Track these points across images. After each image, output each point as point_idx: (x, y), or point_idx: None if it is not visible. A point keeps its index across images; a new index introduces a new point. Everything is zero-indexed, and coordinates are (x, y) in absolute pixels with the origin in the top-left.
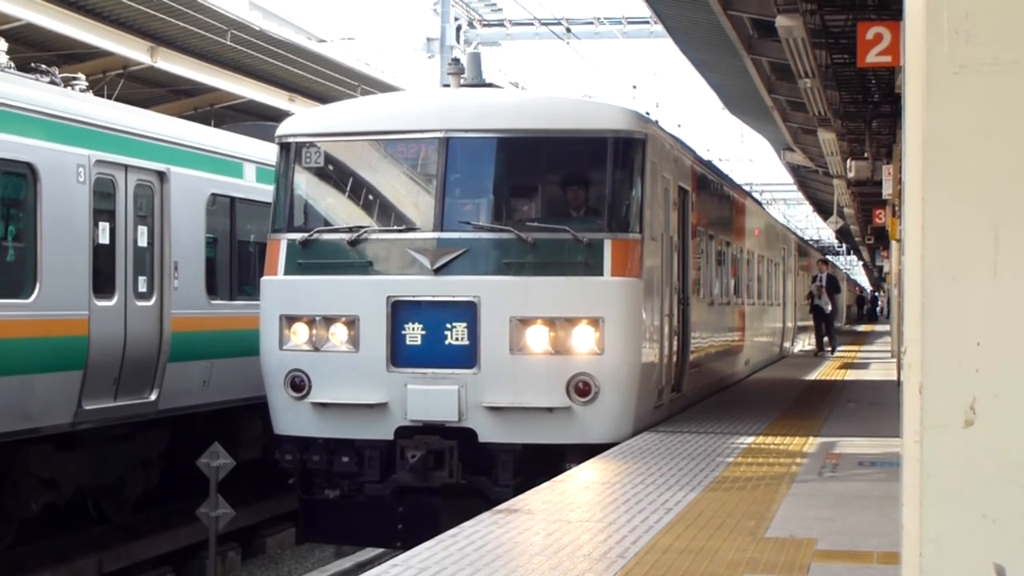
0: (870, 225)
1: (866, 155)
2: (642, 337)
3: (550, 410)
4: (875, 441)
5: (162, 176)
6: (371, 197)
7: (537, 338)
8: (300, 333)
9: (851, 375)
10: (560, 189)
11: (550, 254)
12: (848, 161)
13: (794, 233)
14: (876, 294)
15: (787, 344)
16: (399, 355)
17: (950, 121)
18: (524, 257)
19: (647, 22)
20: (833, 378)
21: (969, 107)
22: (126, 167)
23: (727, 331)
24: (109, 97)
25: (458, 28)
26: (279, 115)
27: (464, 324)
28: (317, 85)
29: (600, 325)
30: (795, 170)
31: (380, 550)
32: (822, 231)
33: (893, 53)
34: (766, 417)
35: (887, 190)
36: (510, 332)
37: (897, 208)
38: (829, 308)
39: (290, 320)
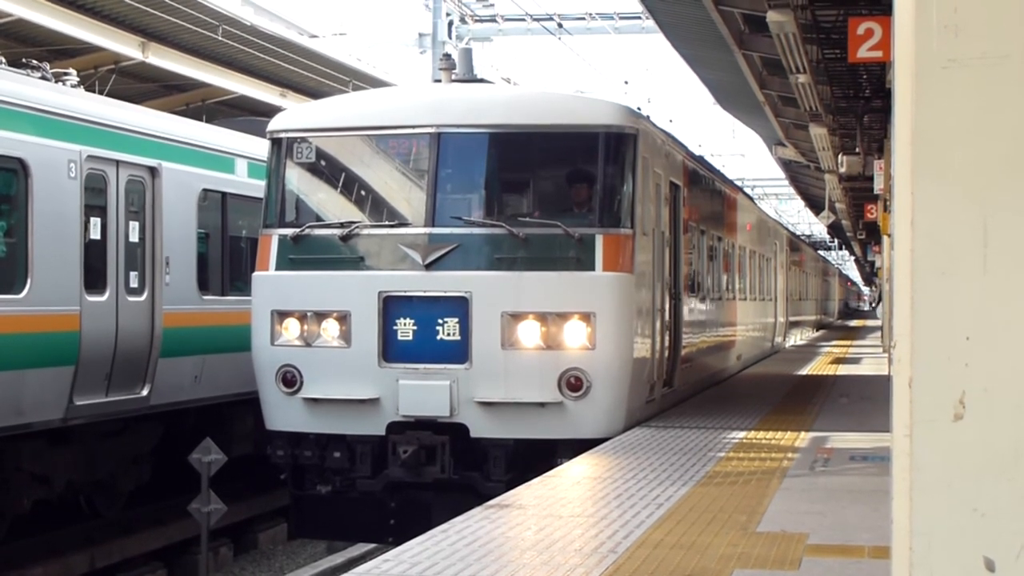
0: (862, 220)
1: (857, 150)
2: (634, 332)
3: (542, 405)
4: (866, 435)
5: (153, 172)
6: (363, 192)
7: (529, 333)
8: (291, 328)
9: (843, 370)
10: (551, 184)
11: (541, 249)
12: (839, 156)
13: (786, 228)
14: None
15: (779, 339)
16: (391, 350)
17: (939, 116)
18: (515, 252)
19: (639, 17)
20: (825, 373)
21: (958, 102)
22: (117, 163)
23: (719, 326)
24: (100, 92)
25: (450, 23)
26: (270, 110)
27: (456, 319)
28: (308, 80)
29: (592, 320)
30: (787, 165)
31: (372, 545)
32: (814, 226)
33: (884, 48)
34: (758, 412)
35: (878, 185)
36: (502, 327)
37: (888, 203)
38: None
39: (281, 315)
